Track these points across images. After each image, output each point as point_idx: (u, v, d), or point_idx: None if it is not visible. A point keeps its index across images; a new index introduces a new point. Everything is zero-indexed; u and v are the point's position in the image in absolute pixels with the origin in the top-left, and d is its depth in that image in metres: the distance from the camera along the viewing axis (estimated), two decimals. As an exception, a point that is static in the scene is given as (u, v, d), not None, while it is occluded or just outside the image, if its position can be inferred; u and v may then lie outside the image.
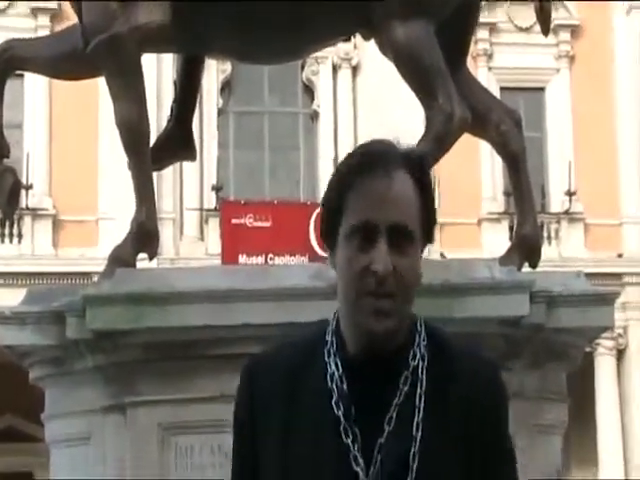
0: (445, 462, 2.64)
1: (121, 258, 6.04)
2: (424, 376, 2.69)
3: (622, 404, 32.19)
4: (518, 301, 5.49)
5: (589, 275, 6.39)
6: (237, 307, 5.35)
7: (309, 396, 2.71)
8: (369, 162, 2.73)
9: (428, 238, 2.76)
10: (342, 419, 2.65)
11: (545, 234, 30.39)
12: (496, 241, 27.81)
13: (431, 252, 29.32)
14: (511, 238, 7.55)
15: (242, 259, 27.61)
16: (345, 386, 2.68)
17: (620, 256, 32.62)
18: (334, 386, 2.68)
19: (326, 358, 2.72)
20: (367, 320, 2.66)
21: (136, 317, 5.46)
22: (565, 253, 31.35)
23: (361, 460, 2.62)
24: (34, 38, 6.91)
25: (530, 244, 6.28)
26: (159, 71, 26.11)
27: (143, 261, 6.28)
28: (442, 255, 23.68)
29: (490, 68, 32.41)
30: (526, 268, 6.19)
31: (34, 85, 28.76)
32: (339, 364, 2.70)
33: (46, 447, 6.24)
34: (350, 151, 2.80)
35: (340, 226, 2.71)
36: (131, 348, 5.52)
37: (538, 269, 6.27)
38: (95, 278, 6.19)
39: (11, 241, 30.57)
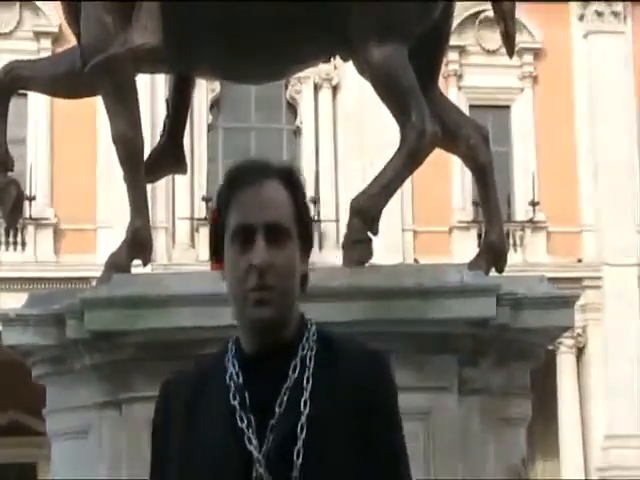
0: (329, 432, 2.69)
1: (117, 264, 6.03)
2: (312, 363, 2.75)
3: (582, 399, 32.25)
4: (485, 303, 5.49)
5: (551, 279, 6.40)
6: (224, 310, 5.31)
7: (212, 395, 2.78)
8: (242, 175, 2.81)
9: (307, 239, 2.84)
10: (237, 407, 2.72)
11: (510, 241, 30.47)
12: (465, 248, 27.82)
13: (405, 258, 29.40)
14: (479, 245, 7.55)
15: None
16: (240, 380, 2.75)
17: (580, 261, 32.71)
18: (231, 382, 2.76)
19: (226, 362, 2.80)
20: (251, 311, 2.74)
21: (131, 319, 5.46)
22: (529, 259, 31.42)
23: (255, 440, 2.68)
24: (36, 59, 6.90)
25: (497, 250, 6.29)
26: (153, 90, 26.08)
27: (138, 267, 6.27)
28: (416, 261, 23.69)
29: (460, 87, 32.48)
30: (493, 273, 6.20)
31: (36, 103, 28.69)
32: (236, 364, 2.78)
33: (48, 440, 6.23)
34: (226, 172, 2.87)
35: (225, 236, 2.80)
36: (126, 348, 5.51)
37: (504, 274, 6.28)
38: (93, 283, 6.17)
39: (15, 249, 30.51)
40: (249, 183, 2.77)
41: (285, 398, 2.71)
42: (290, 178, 2.83)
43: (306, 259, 2.84)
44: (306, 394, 2.71)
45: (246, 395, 2.73)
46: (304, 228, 2.83)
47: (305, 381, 2.73)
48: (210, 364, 2.87)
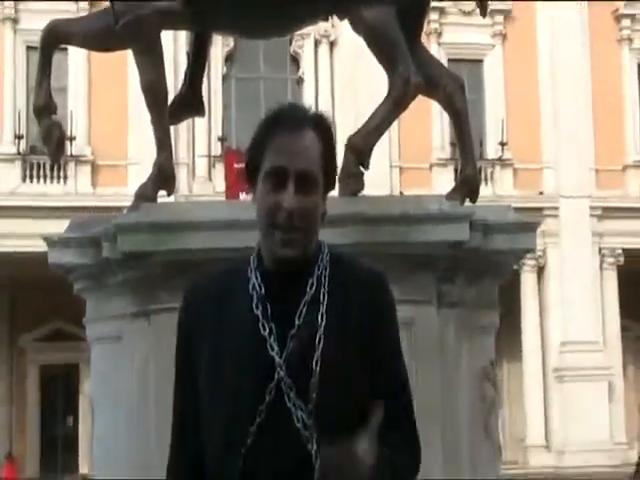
0: (344, 345, 2.66)
1: (145, 195, 6.01)
2: (326, 281, 2.71)
3: (541, 310, 32.46)
4: (460, 228, 5.48)
5: (517, 209, 6.38)
6: (239, 234, 5.32)
7: (235, 304, 2.72)
8: (283, 119, 2.73)
9: (331, 184, 2.79)
10: (260, 317, 2.67)
11: (482, 176, 30.45)
12: (444, 182, 27.81)
13: (392, 190, 29.36)
14: (456, 179, 7.53)
15: (242, 196, 27.55)
16: (263, 291, 2.70)
17: (541, 194, 32.78)
18: (254, 292, 2.70)
19: (249, 274, 2.74)
20: (276, 249, 2.70)
21: (157, 241, 5.44)
22: (498, 191, 31.45)
23: (276, 347, 2.63)
24: (75, 18, 6.82)
25: (471, 184, 6.27)
26: (176, 44, 25.91)
27: (163, 197, 6.25)
28: (401, 193, 23.64)
29: (440, 43, 32.32)
30: (467, 203, 6.18)
31: (76, 56, 28.51)
32: (258, 276, 2.73)
33: (88, 345, 6.25)
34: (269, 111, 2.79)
35: (259, 172, 2.73)
36: (153, 266, 5.50)
37: (477, 204, 6.27)
38: (125, 211, 6.15)
39: (58, 182, 30.56)
40: (287, 129, 2.70)
41: (304, 311, 2.66)
42: (323, 127, 2.77)
43: (325, 199, 2.79)
44: (322, 308, 2.67)
45: (268, 306, 2.68)
46: (330, 174, 2.78)
47: (321, 297, 2.68)
48: (233, 273, 2.80)
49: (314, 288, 2.70)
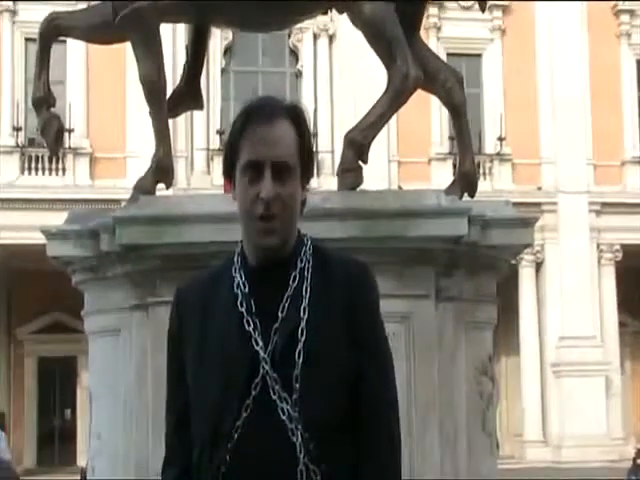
0: (327, 336, 2.68)
1: (144, 187, 6.01)
2: (309, 274, 2.74)
3: (539, 306, 32.46)
4: (459, 223, 5.48)
5: (515, 204, 6.38)
6: (236, 227, 5.32)
7: (220, 303, 2.75)
8: (256, 113, 2.75)
9: (308, 176, 2.80)
10: (244, 313, 2.69)
11: (481, 171, 30.48)
12: (442, 176, 27.81)
13: (391, 185, 29.34)
14: (454, 174, 7.53)
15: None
16: (247, 289, 2.73)
17: (539, 189, 32.75)
18: (238, 291, 2.73)
19: (233, 273, 2.77)
20: (258, 238, 2.73)
21: (156, 234, 5.45)
22: (496, 186, 31.42)
23: (260, 342, 2.65)
24: (74, 11, 6.81)
25: (469, 179, 6.27)
26: (174, 38, 25.88)
27: (161, 190, 6.25)
28: (399, 187, 23.64)
29: (439, 38, 32.27)
30: (465, 198, 6.18)
31: (74, 49, 28.46)
32: (242, 274, 2.76)
33: (86, 337, 6.24)
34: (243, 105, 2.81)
35: (236, 167, 2.75)
36: (151, 259, 5.51)
37: (475, 199, 6.27)
38: (123, 203, 6.14)
39: (57, 174, 30.51)
40: (261, 121, 2.72)
41: (287, 305, 2.69)
42: (298, 117, 2.78)
43: (305, 188, 2.80)
44: (305, 302, 2.69)
45: (252, 302, 2.70)
46: (306, 163, 2.79)
47: (304, 290, 2.71)
48: (218, 273, 2.83)
49: (297, 281, 2.72)
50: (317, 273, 2.74)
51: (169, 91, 6.35)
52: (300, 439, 2.59)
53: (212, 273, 2.88)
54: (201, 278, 2.90)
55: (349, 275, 2.76)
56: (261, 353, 2.64)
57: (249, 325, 2.68)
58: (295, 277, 2.73)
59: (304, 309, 2.68)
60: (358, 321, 2.72)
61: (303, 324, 2.66)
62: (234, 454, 2.62)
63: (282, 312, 2.68)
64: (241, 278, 2.75)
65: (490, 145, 32.64)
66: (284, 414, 2.61)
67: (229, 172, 2.80)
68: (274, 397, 2.62)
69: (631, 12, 33.90)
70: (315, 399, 2.62)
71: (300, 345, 2.64)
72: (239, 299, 2.72)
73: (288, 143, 2.73)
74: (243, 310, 2.70)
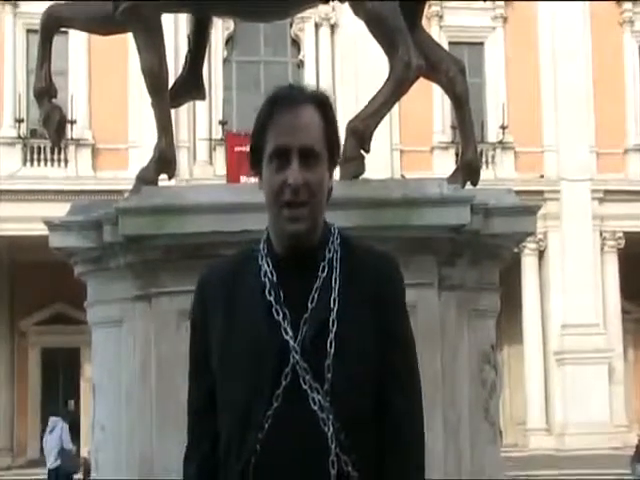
0: (356, 327, 2.66)
1: (146, 178, 6.00)
2: (338, 264, 2.72)
3: (542, 294, 32.47)
4: (461, 212, 5.48)
5: (517, 192, 6.37)
6: (238, 217, 5.32)
7: (247, 290, 2.73)
8: (281, 100, 2.73)
9: (335, 159, 2.78)
10: (273, 302, 2.67)
11: (483, 159, 30.45)
12: (445, 165, 27.81)
13: (393, 174, 29.35)
14: (457, 162, 7.52)
15: (243, 179, 27.54)
16: (275, 278, 2.70)
17: (542, 177, 32.75)
18: (266, 279, 2.71)
19: (260, 261, 2.75)
20: (285, 225, 2.69)
21: (158, 225, 5.45)
22: (499, 174, 31.43)
23: (290, 331, 2.63)
24: (75, 2, 6.80)
25: (471, 167, 6.26)
26: (176, 28, 25.83)
27: (163, 181, 6.25)
28: (402, 176, 23.63)
29: (441, 27, 32.25)
30: (468, 186, 6.17)
31: (76, 40, 28.45)
32: (269, 262, 2.73)
33: (89, 328, 6.25)
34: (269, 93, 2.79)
35: (263, 155, 2.73)
36: (154, 249, 5.50)
37: (477, 187, 6.26)
38: (126, 194, 6.14)
39: (59, 165, 30.55)
40: (287, 108, 2.70)
41: (316, 295, 2.67)
42: (324, 103, 2.76)
43: (332, 175, 2.80)
44: (334, 293, 2.67)
45: (280, 291, 2.68)
46: (333, 150, 2.77)
47: (333, 281, 2.69)
48: (242, 260, 2.81)
49: (326, 272, 2.70)
50: (345, 263, 2.72)
51: (171, 81, 6.34)
52: (332, 429, 2.58)
53: (236, 260, 2.85)
54: (225, 264, 2.88)
55: (376, 267, 2.76)
56: (291, 342, 2.62)
57: (278, 314, 2.66)
58: (324, 267, 2.71)
59: (334, 300, 2.66)
60: (385, 314, 2.71)
61: (334, 315, 2.65)
62: (265, 444, 2.60)
63: (312, 303, 2.66)
64: (268, 266, 2.72)
65: (492, 133, 32.62)
66: (315, 404, 2.59)
67: (256, 161, 2.77)
68: (305, 387, 2.60)
69: (633, -1, 33.85)
70: (346, 389, 2.61)
71: (332, 335, 2.63)
72: (267, 288, 2.69)
73: (315, 129, 2.71)
74: (271, 299, 2.67)
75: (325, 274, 2.70)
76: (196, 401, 2.82)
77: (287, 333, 2.63)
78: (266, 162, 2.72)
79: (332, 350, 2.62)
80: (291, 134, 2.69)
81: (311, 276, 2.70)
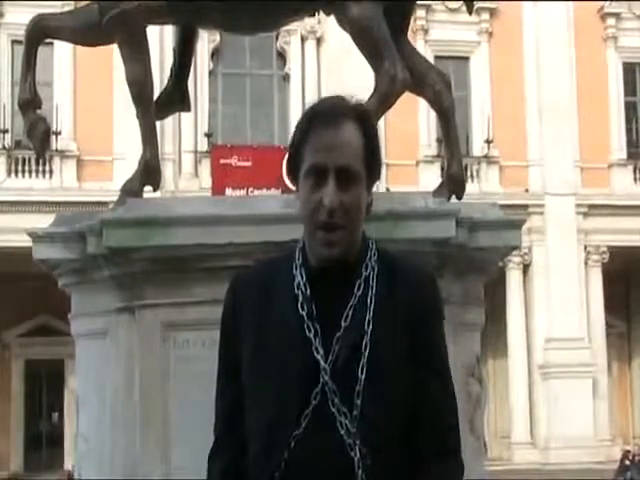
0: (391, 350, 2.58)
1: (131, 190, 5.99)
2: (374, 283, 2.62)
3: (527, 308, 32.51)
4: (446, 225, 5.48)
5: (502, 206, 6.38)
6: (224, 229, 5.32)
7: (279, 301, 2.64)
8: (321, 114, 2.64)
9: (374, 177, 2.68)
10: (305, 317, 2.58)
11: (468, 173, 30.53)
12: (430, 178, 27.87)
13: (379, 187, 29.36)
14: (442, 176, 7.53)
15: (228, 192, 27.57)
16: (308, 292, 2.61)
17: (526, 191, 32.84)
18: (299, 292, 2.62)
19: (294, 271, 2.66)
20: (319, 249, 2.61)
21: (143, 237, 5.43)
22: (484, 188, 31.48)
23: (321, 350, 2.55)
24: (60, 12, 6.80)
25: (457, 181, 6.27)
26: (161, 40, 25.82)
27: (148, 193, 6.24)
28: (387, 189, 23.66)
29: (426, 41, 32.33)
30: (453, 200, 6.18)
31: (61, 50, 28.42)
32: (303, 274, 2.64)
33: (73, 340, 6.22)
34: (308, 106, 2.71)
35: (300, 168, 2.64)
36: (139, 262, 5.48)
37: (462, 201, 6.27)
38: (110, 206, 6.12)
39: (44, 176, 30.45)
40: (325, 124, 2.60)
41: (350, 313, 2.57)
42: (363, 117, 2.67)
43: (371, 190, 2.69)
44: (369, 314, 2.58)
45: (313, 306, 2.59)
46: (372, 165, 2.66)
47: (369, 301, 2.59)
48: (277, 268, 2.71)
49: (361, 290, 2.62)
50: (382, 281, 2.63)
51: (156, 93, 6.33)
52: (358, 455, 2.51)
53: (271, 265, 2.77)
54: (259, 268, 2.80)
55: (416, 287, 2.67)
56: (321, 363, 2.54)
57: (309, 331, 2.57)
58: (360, 285, 2.62)
59: (368, 321, 2.57)
60: (423, 337, 2.63)
61: (367, 338, 2.56)
62: (290, 463, 2.53)
63: (345, 321, 2.57)
64: (302, 278, 2.64)
65: (477, 148, 32.70)
66: (342, 428, 2.52)
67: (292, 175, 2.69)
68: (333, 409, 2.53)
69: (617, 15, 34.03)
70: (376, 416, 2.53)
71: (364, 360, 2.54)
72: (299, 301, 2.61)
73: (354, 147, 2.61)
74: (304, 314, 2.59)
75: (361, 292, 2.61)
76: (224, 402, 2.74)
77: (318, 352, 2.55)
78: (302, 178, 2.64)
79: (363, 376, 2.54)
80: (329, 152, 2.59)
81: (346, 293, 2.61)
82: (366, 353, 2.55)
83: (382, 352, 2.56)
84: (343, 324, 2.57)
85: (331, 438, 2.52)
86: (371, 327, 2.57)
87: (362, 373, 2.54)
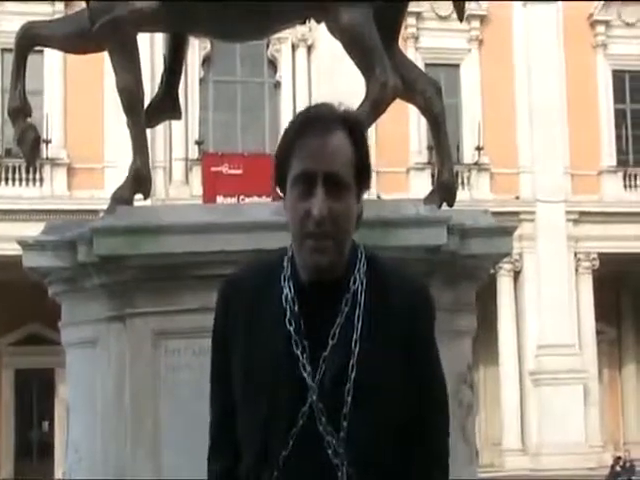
0: (380, 369, 2.53)
1: (121, 198, 5.97)
2: (362, 298, 2.56)
3: (518, 314, 32.55)
4: (437, 233, 5.48)
5: (493, 213, 6.37)
6: (215, 237, 5.31)
7: (268, 314, 2.60)
8: (310, 122, 2.59)
9: (363, 186, 2.63)
10: (293, 333, 2.53)
11: (459, 181, 30.52)
12: (421, 185, 27.89)
13: (369, 194, 29.36)
14: (433, 183, 7.53)
15: (219, 199, 27.53)
16: (296, 307, 2.56)
17: (517, 198, 32.89)
18: (287, 306, 2.57)
19: (282, 282, 2.60)
20: (308, 257, 2.55)
21: (133, 245, 5.42)
22: (475, 196, 31.52)
23: (308, 367, 2.51)
24: (50, 20, 6.78)
25: (447, 188, 6.27)
26: (152, 47, 25.82)
27: (139, 201, 6.22)
28: (378, 196, 23.66)
29: (417, 48, 32.40)
30: (444, 207, 6.18)
31: (51, 58, 28.39)
32: (292, 288, 2.59)
33: (63, 349, 6.20)
34: (297, 114, 2.66)
35: (288, 176, 2.59)
36: (130, 270, 5.47)
37: (453, 208, 6.27)
38: (101, 214, 6.11)
39: (34, 185, 30.40)
40: (315, 131, 2.54)
41: (337, 332, 2.52)
42: (353, 125, 2.61)
43: (360, 199, 2.63)
44: (356, 334, 2.52)
45: (301, 321, 2.54)
46: (363, 175, 2.60)
47: (356, 318, 2.53)
48: (267, 274, 2.64)
49: (349, 305, 2.56)
50: (372, 294, 2.57)
51: (147, 101, 6.32)
52: (345, 477, 2.47)
53: (260, 271, 2.70)
54: (248, 274, 2.73)
55: (410, 303, 2.61)
56: (308, 381, 2.50)
57: (297, 347, 2.52)
58: (347, 301, 2.55)
59: (355, 341, 2.51)
60: (417, 355, 2.59)
61: (354, 359, 2.50)
62: None
63: (332, 339, 2.52)
64: (290, 291, 2.58)
65: (468, 155, 32.74)
66: (329, 448, 2.48)
67: (279, 183, 2.63)
68: (320, 428, 2.49)
69: (607, 23, 34.15)
70: (363, 438, 2.49)
71: (350, 384, 2.49)
72: (287, 316, 2.55)
73: (343, 154, 2.55)
74: (291, 329, 2.53)
75: (348, 308, 2.55)
76: (218, 406, 2.72)
77: (305, 369, 2.51)
78: (289, 186, 2.58)
79: (349, 398, 2.49)
80: (316, 159, 2.53)
81: (334, 307, 2.55)
82: (352, 375, 2.50)
83: (370, 372, 2.51)
84: (330, 342, 2.52)
85: (318, 458, 2.48)
86: (357, 348, 2.52)
87: (348, 395, 2.49)
